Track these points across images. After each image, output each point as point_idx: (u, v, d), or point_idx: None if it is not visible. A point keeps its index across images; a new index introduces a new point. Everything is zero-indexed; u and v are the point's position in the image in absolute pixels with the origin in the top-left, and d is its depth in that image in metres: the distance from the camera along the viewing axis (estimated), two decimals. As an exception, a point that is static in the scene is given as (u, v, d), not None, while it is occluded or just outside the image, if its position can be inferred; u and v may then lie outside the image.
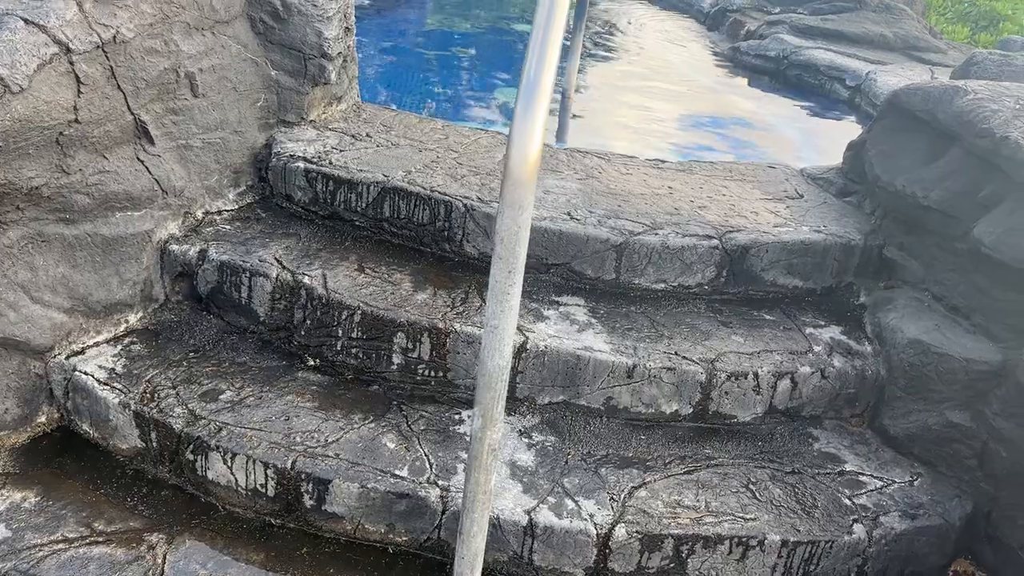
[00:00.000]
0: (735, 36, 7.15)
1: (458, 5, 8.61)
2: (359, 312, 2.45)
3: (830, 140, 4.64)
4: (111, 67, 2.40)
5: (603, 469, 2.28)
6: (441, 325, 2.42)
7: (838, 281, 2.87)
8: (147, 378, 2.40)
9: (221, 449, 2.20)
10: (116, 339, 2.55)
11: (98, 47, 2.35)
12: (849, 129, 4.87)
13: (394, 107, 3.95)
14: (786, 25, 6.64)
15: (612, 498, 2.18)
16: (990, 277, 2.40)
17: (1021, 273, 2.26)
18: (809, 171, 3.40)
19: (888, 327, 2.54)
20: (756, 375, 2.45)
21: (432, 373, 2.47)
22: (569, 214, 2.75)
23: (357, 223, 2.85)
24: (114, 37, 2.39)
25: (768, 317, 2.72)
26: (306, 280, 2.53)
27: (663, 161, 3.39)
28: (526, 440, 2.35)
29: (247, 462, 2.18)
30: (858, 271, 2.86)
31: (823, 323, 2.73)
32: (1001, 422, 2.24)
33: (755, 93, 5.92)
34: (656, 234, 2.70)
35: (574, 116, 4.71)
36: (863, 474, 2.38)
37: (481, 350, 1.74)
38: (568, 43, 4.81)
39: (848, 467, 2.40)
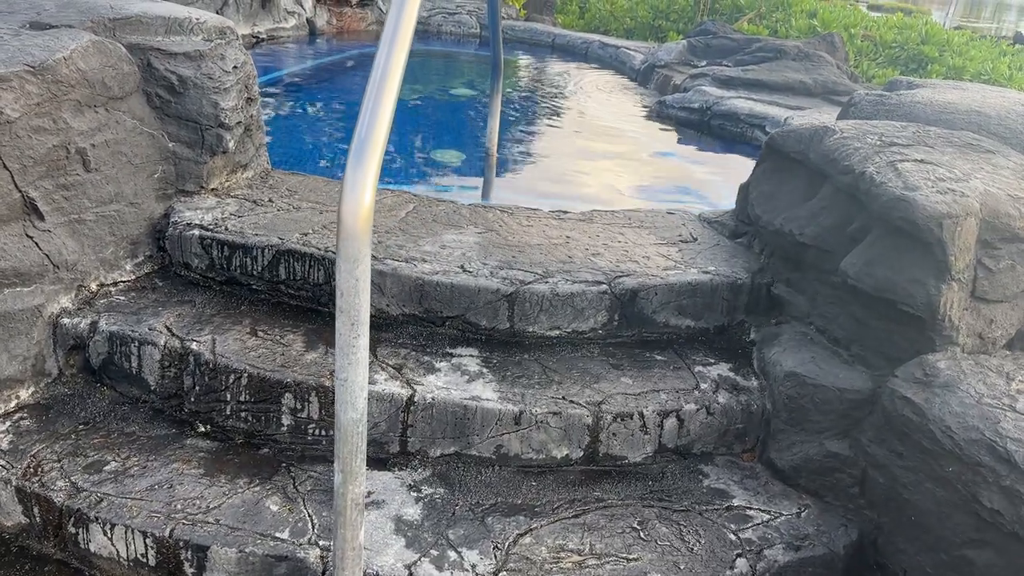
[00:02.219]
0: (664, 90, 7.37)
1: (406, 76, 8.81)
2: (246, 375, 2.47)
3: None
4: (-8, 146, 2.45)
5: (490, 518, 2.28)
6: (328, 383, 2.44)
7: (730, 320, 2.93)
8: (32, 453, 2.38)
9: (101, 520, 2.18)
10: (5, 415, 2.54)
11: (-23, 128, 2.40)
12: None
13: (315, 176, 4.01)
14: (709, 77, 6.87)
15: (496, 547, 2.18)
16: (863, 307, 2.48)
17: (884, 302, 2.34)
18: (705, 215, 3.49)
19: (771, 362, 2.60)
20: (642, 415, 2.49)
21: (322, 432, 2.47)
22: (462, 267, 2.80)
23: (254, 287, 2.88)
24: (-5, 117, 2.44)
25: (659, 357, 2.77)
26: (194, 346, 2.54)
27: (565, 212, 3.47)
28: (414, 494, 2.35)
29: (126, 532, 2.16)
30: (749, 309, 2.93)
31: (713, 361, 2.78)
32: (875, 449, 2.28)
33: (679, 145, 6.08)
34: (546, 282, 2.75)
35: (500, 174, 4.82)
36: (751, 508, 2.40)
37: (335, 405, 1.76)
38: (489, 102, 4.94)
39: (736, 502, 2.42)
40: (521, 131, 6.13)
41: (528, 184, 4.85)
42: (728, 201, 4.06)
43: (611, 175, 5.14)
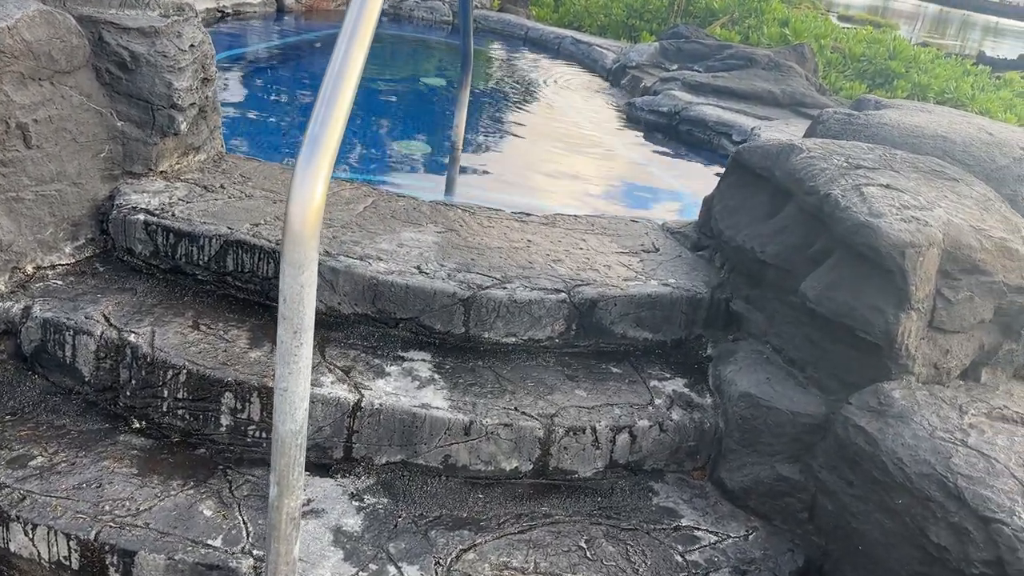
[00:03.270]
0: (633, 92, 7.33)
1: (373, 60, 8.66)
2: (184, 371, 2.36)
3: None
4: (-78, 117, 2.30)
5: (433, 532, 2.21)
6: (272, 383, 2.34)
7: (688, 333, 2.90)
8: (-48, 444, 2.25)
9: (22, 520, 2.06)
10: (-74, 402, 2.40)
11: (-95, 96, 2.25)
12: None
13: (267, 160, 3.89)
14: (679, 82, 6.85)
15: (438, 562, 2.11)
16: (820, 330, 2.46)
17: (842, 327, 2.32)
18: (669, 225, 3.45)
19: (725, 379, 2.56)
20: (594, 429, 2.44)
21: (263, 434, 2.38)
22: (419, 267, 2.72)
23: (200, 277, 2.77)
24: (-74, 86, 2.30)
25: (615, 370, 2.72)
26: (132, 338, 2.43)
27: (528, 215, 3.40)
28: (356, 503, 2.27)
29: (48, 533, 2.05)
30: (707, 323, 2.90)
31: (668, 376, 2.74)
32: (826, 475, 2.26)
33: (646, 149, 6.05)
34: (504, 288, 2.69)
35: (465, 171, 4.73)
36: (699, 529, 2.37)
37: (273, 415, 1.68)
38: (456, 95, 4.85)
39: (685, 522, 2.39)
40: (488, 126, 6.05)
41: (492, 181, 4.78)
42: (692, 211, 4.04)
43: (576, 176, 5.09)
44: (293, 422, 1.68)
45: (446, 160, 4.97)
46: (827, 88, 7.95)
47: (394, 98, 6.64)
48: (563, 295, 2.72)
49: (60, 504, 2.10)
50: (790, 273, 2.59)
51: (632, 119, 6.67)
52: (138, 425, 2.44)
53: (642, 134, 6.36)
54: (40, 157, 2.68)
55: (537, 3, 12.32)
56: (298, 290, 1.58)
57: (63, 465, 2.24)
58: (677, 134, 6.34)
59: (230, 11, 8.08)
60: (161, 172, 3.09)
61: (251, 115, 5.34)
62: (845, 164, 2.61)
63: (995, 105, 9.05)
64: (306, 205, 1.55)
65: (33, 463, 2.23)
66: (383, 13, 8.85)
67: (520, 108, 6.71)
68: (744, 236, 2.77)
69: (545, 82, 7.86)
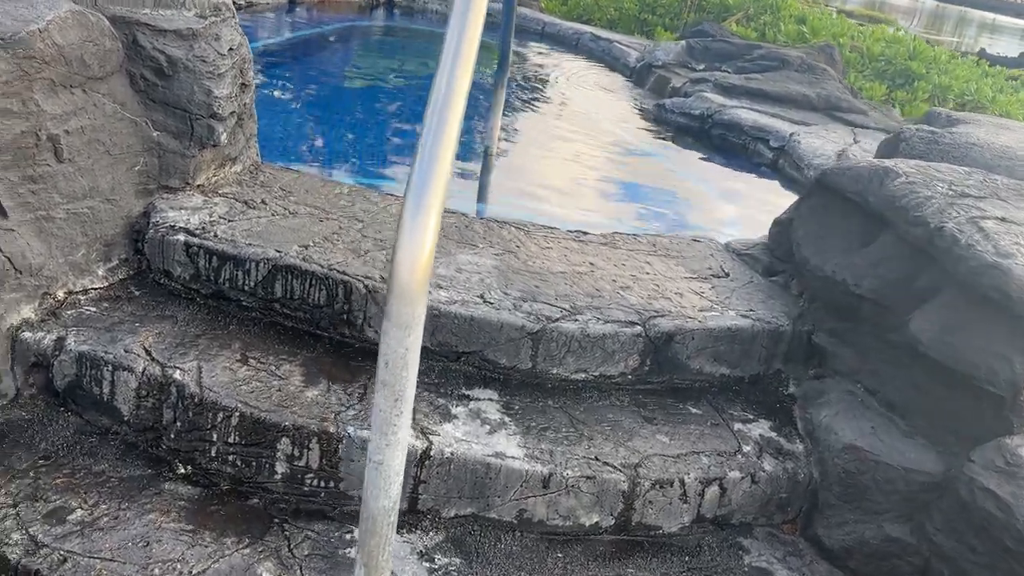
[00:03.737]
0: (660, 92, 7.10)
1: (381, 52, 8.41)
2: (237, 414, 2.15)
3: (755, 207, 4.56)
4: (-51, 131, 2.08)
5: (514, 597, 2.02)
6: (332, 429, 2.14)
7: (766, 368, 2.70)
8: (-19, 494, 2.04)
9: (63, 586, 1.86)
10: (-50, 444, 2.18)
11: (-68, 109, 2.03)
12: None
13: (297, 167, 3.67)
14: (711, 83, 6.63)
15: (523, 634, 1.91)
16: (928, 375, 2.26)
17: (958, 374, 2.12)
18: (734, 246, 3.25)
19: (821, 426, 2.36)
20: (682, 482, 2.24)
21: (322, 484, 2.17)
22: (482, 296, 2.51)
23: (244, 303, 2.55)
24: (-46, 97, 2.07)
25: (694, 411, 2.52)
26: (177, 375, 2.21)
27: (585, 233, 3.19)
28: (427, 564, 2.07)
29: (93, 602, 1.84)
30: (787, 358, 2.70)
31: (752, 417, 2.54)
32: (943, 539, 2.07)
33: (681, 155, 5.84)
34: (575, 320, 2.48)
35: (498, 177, 4.52)
36: (797, 593, 2.18)
37: (363, 490, 1.47)
38: (490, 98, 4.64)
39: (781, 585, 2.19)
40: (513, 128, 5.82)
41: (527, 189, 4.56)
42: (746, 228, 3.84)
43: (612, 184, 4.87)
44: (387, 498, 1.48)
45: (475, 165, 4.76)
46: (858, 91, 7.74)
47: (416, 98, 6.40)
48: (638, 328, 2.51)
49: (106, 568, 1.89)
50: (889, 309, 2.39)
51: (661, 121, 6.45)
52: (183, 471, 2.22)
53: (674, 138, 6.13)
54: (72, 172, 2.46)
55: (546, -5, 12.06)
56: (402, 353, 1.38)
57: (105, 520, 2.02)
58: (709, 138, 6.12)
59: (242, 3, 7.81)
60: (198, 186, 2.86)
61: (267, 114, 5.09)
62: (949, 192, 2.41)
63: (1015, 108, 8.87)
64: (415, 257, 1.35)
65: (72, 517, 2.02)
66: (395, 6, 8.53)
67: (543, 109, 6.47)
68: (834, 266, 2.57)
69: (567, 80, 7.63)
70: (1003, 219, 2.25)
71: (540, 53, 8.95)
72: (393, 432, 1.43)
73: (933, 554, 2.10)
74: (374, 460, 1.45)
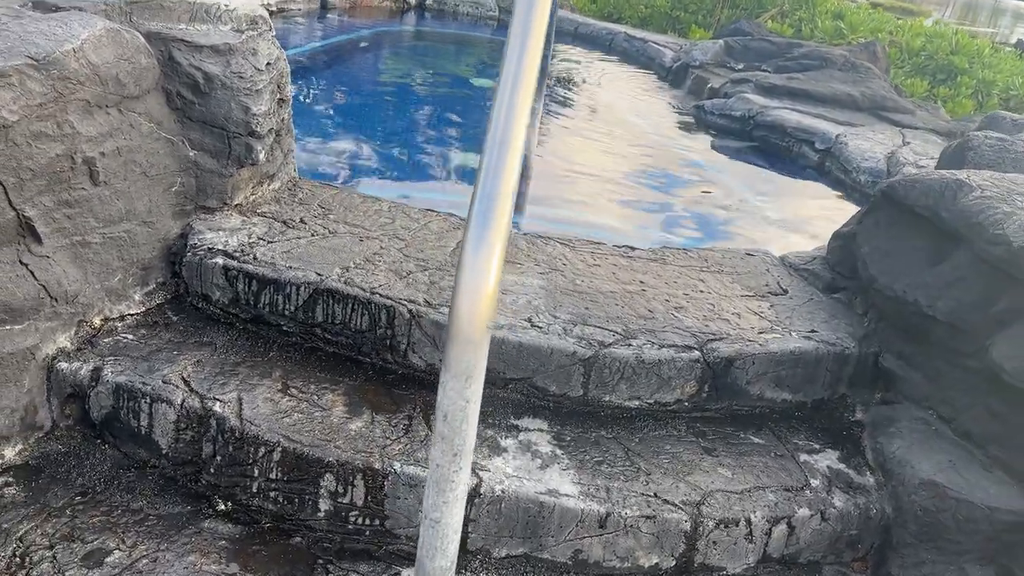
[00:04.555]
0: (699, 94, 6.94)
1: (412, 58, 8.33)
2: (279, 448, 2.06)
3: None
4: (-15, 158, 2.01)
5: (571, 645, 1.90)
6: (378, 465, 2.04)
7: (831, 393, 2.56)
8: (18, 535, 1.97)
9: (101, 635, 1.78)
10: (-14, 479, 2.12)
11: (-34, 135, 1.96)
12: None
13: (336, 183, 3.59)
14: (751, 83, 6.45)
15: None
16: (1010, 404, 2.11)
17: (1050, 407, 1.97)
18: (791, 260, 3.10)
19: (895, 459, 2.22)
20: (749, 521, 2.10)
21: (367, 522, 2.08)
22: (530, 320, 2.40)
23: (285, 328, 2.47)
24: (-11, 122, 2.00)
25: (756, 440, 2.39)
26: (217, 408, 2.13)
27: (633, 248, 3.07)
28: (479, 607, 1.97)
29: (132, 653, 1.76)
30: (852, 382, 2.56)
31: (818, 447, 2.40)
32: (1034, 585, 1.92)
33: (723, 159, 5.68)
34: (629, 345, 2.36)
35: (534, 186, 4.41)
36: (874, 640, 2.04)
37: (419, 548, 1.36)
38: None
39: (856, 631, 2.06)
40: (548, 132, 5.70)
41: (566, 198, 4.44)
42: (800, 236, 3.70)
43: (654, 192, 4.73)
44: (444, 558, 1.37)
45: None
46: (904, 90, 7.51)
47: (447, 104, 6.31)
48: (696, 353, 2.38)
49: (144, 615, 1.81)
50: (965, 333, 2.24)
51: (701, 123, 6.30)
52: (223, 507, 2.14)
53: (715, 140, 5.97)
54: (108, 195, 2.39)
55: (575, -5, 11.92)
56: (462, 406, 1.27)
57: (144, 562, 1.94)
58: (751, 140, 5.96)
59: (274, 9, 7.78)
60: (236, 205, 2.78)
61: (303, 124, 5.03)
62: (1030, 207, 2.25)
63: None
64: (477, 299, 1.23)
65: (110, 560, 1.94)
66: (425, 8, 8.45)
67: (580, 115, 6.34)
68: (904, 286, 2.42)
69: (602, 83, 7.49)
70: (1093, 238, 2.09)
71: (574, 54, 8.82)
72: (451, 489, 1.32)
73: (1022, 601, 1.95)
74: (431, 518, 1.34)
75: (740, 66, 7.23)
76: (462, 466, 1.31)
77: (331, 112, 5.57)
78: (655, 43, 8.59)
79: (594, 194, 4.51)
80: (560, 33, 9.76)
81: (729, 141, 5.99)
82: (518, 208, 4.16)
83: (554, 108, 6.30)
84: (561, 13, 10.31)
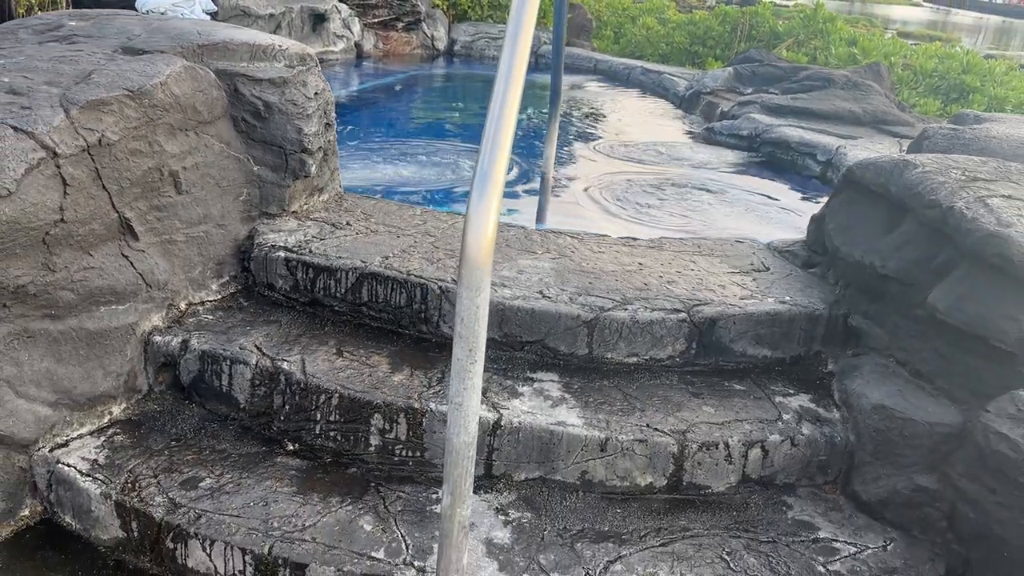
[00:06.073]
0: (710, 117, 7.40)
1: (445, 96, 8.94)
2: (336, 395, 2.52)
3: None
4: (96, 169, 2.53)
5: (579, 544, 2.30)
6: (417, 405, 2.48)
7: (807, 350, 2.94)
8: (129, 468, 2.44)
9: (200, 536, 2.23)
10: (99, 431, 2.60)
11: (84, 150, 2.48)
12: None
13: (376, 196, 4.09)
14: (757, 105, 6.89)
15: (587, 573, 2.19)
16: (949, 342, 2.48)
17: (974, 337, 2.34)
18: (775, 244, 3.51)
19: (854, 393, 2.60)
20: (727, 444, 2.50)
21: (409, 453, 2.51)
22: (541, 292, 2.84)
23: (337, 308, 2.94)
24: (99, 140, 2.52)
25: (738, 387, 2.78)
26: (285, 366, 2.59)
27: (634, 239, 3.50)
28: (502, 517, 2.38)
29: (225, 548, 2.20)
30: (825, 340, 2.94)
31: (792, 391, 2.79)
32: (966, 484, 2.28)
33: (733, 174, 6.10)
34: (626, 309, 2.78)
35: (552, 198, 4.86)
36: (837, 540, 2.40)
37: (447, 428, 1.80)
38: (545, 128, 4.99)
39: (822, 534, 2.42)
40: (568, 154, 6.18)
41: (580, 211, 4.89)
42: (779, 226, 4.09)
43: (663, 203, 5.16)
44: (467, 434, 1.80)
45: (534, 189, 5.12)
46: (906, 105, 7.89)
47: (468, 131, 6.84)
48: (683, 315, 2.80)
49: (233, 522, 2.26)
50: (913, 287, 2.62)
51: (711, 144, 6.73)
52: (292, 447, 2.59)
53: (722, 156, 6.40)
54: (189, 202, 2.90)
55: (598, 36, 12.52)
56: (474, 311, 1.71)
57: (230, 485, 2.40)
58: (759, 155, 6.37)
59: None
60: (293, 212, 3.29)
61: (345, 154, 5.57)
62: (963, 177, 2.65)
63: (1078, 115, 8.84)
64: (481, 235, 1.68)
65: (203, 484, 2.40)
66: (454, 54, 9.08)
67: (596, 137, 6.83)
68: (862, 252, 2.82)
69: (620, 111, 7.99)
70: (1009, 196, 2.48)
71: (593, 87, 9.35)
72: (469, 377, 1.75)
73: (958, 498, 2.31)
74: (455, 402, 1.77)
75: (749, 90, 7.68)
76: (476, 359, 1.75)
77: (371, 143, 6.12)
78: (669, 75, 9.09)
79: (614, 207, 4.95)
80: (581, 70, 10.33)
81: (739, 157, 6.41)
82: (539, 220, 4.62)
83: (574, 132, 6.79)
84: (582, 52, 10.90)
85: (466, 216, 1.70)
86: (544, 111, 5.78)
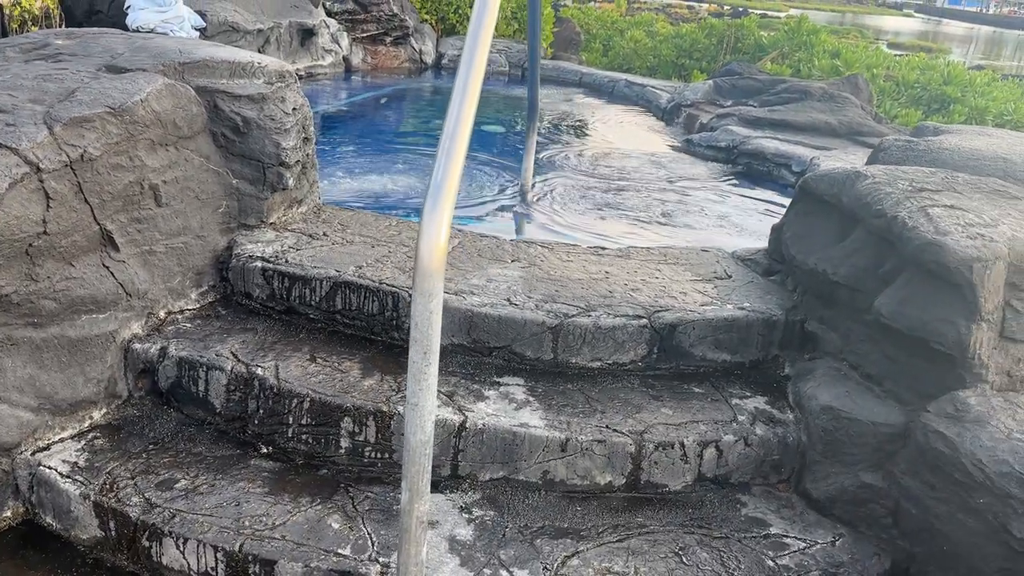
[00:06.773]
0: (690, 129, 7.54)
1: (432, 108, 9.07)
2: (308, 400, 2.62)
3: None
4: (79, 183, 2.63)
5: (539, 540, 2.40)
6: (385, 408, 2.58)
7: (765, 354, 3.05)
8: (107, 470, 2.53)
9: (174, 535, 2.32)
10: (80, 435, 2.70)
11: (67, 165, 2.59)
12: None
13: (359, 207, 4.20)
14: (735, 117, 7.03)
15: (545, 567, 2.29)
16: (895, 345, 2.59)
17: (916, 340, 2.46)
18: (739, 253, 3.62)
19: (806, 395, 2.71)
20: (682, 444, 2.61)
21: (378, 455, 2.61)
22: (509, 299, 2.95)
23: (312, 316, 3.04)
24: (82, 155, 2.63)
25: (697, 390, 2.89)
26: (259, 372, 2.70)
27: (603, 248, 3.61)
28: (466, 516, 2.48)
29: (198, 546, 2.30)
30: (783, 344, 3.05)
31: (749, 394, 2.89)
32: (908, 480, 2.39)
33: (710, 184, 6.23)
34: (589, 316, 2.89)
35: (532, 208, 4.98)
36: (787, 536, 2.51)
37: (405, 427, 1.90)
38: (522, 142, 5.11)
39: (773, 530, 2.53)
40: (549, 165, 6.30)
41: (558, 220, 5.00)
42: (749, 236, 4.21)
43: (638, 212, 5.28)
44: (423, 433, 1.90)
45: (513, 202, 5.24)
46: (883, 117, 8.04)
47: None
48: (644, 320, 2.91)
49: (206, 520, 2.35)
50: (862, 293, 2.74)
51: (691, 154, 6.87)
52: (266, 450, 2.69)
53: (700, 168, 6.53)
54: (169, 214, 3.01)
55: (587, 48, 12.69)
56: (427, 316, 1.82)
57: (204, 487, 2.50)
58: (736, 166, 6.51)
59: (303, 73, 8.57)
60: (271, 223, 3.40)
61: (329, 166, 5.69)
62: (909, 188, 2.77)
63: (1057, 124, 9.00)
64: (433, 244, 1.79)
65: (178, 485, 2.49)
66: (442, 68, 9.20)
67: (580, 148, 6.96)
68: (816, 259, 2.93)
69: (602, 123, 8.13)
70: (951, 206, 2.60)
71: (577, 99, 9.49)
72: (425, 379, 1.85)
73: (901, 495, 2.41)
74: (411, 402, 1.88)
75: (728, 103, 7.82)
76: (431, 362, 1.85)
77: (357, 154, 6.24)
78: (652, 87, 9.24)
79: (586, 215, 5.07)
80: (567, 82, 10.48)
81: (716, 168, 6.54)
82: (517, 230, 4.74)
83: (556, 145, 6.92)
84: (568, 65, 11.06)
85: (420, 226, 1.81)
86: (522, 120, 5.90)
